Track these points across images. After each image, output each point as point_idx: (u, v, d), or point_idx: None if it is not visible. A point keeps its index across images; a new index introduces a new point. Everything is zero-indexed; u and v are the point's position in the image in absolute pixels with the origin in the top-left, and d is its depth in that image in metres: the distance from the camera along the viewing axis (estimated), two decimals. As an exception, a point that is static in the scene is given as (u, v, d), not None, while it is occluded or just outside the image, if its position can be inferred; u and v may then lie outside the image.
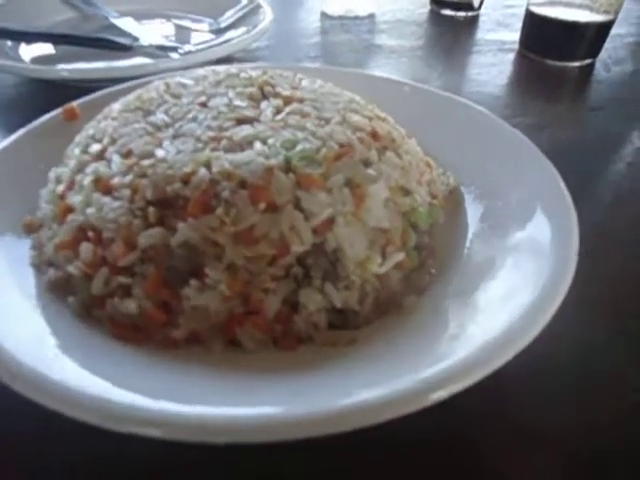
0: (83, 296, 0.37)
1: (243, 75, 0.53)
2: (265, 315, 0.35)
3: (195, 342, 0.35)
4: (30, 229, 0.44)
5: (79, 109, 0.58)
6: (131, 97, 0.51)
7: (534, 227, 0.42)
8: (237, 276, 0.35)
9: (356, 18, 1.20)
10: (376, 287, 0.39)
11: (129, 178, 0.39)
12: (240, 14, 0.98)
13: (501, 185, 0.49)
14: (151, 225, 0.37)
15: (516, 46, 1.05)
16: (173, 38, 0.96)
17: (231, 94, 0.49)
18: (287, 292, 0.36)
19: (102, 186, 0.40)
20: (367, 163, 0.42)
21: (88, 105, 0.59)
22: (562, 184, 0.44)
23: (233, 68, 0.56)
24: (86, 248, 0.37)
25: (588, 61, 0.97)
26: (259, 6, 1.01)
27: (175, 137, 0.43)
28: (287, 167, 0.39)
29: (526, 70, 0.98)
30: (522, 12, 1.25)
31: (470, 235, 0.46)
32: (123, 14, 1.01)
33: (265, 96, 0.50)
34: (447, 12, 1.23)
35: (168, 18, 1.05)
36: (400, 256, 0.40)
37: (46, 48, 0.90)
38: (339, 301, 0.37)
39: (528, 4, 0.98)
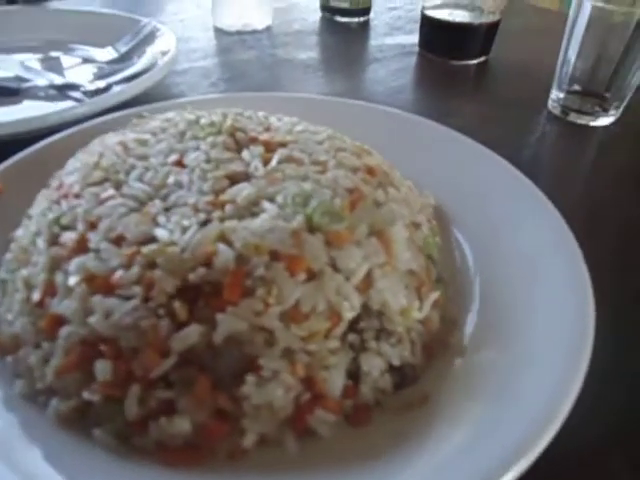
0: (114, 425, 0.31)
1: (204, 122, 0.48)
2: (333, 394, 0.33)
3: (264, 444, 0.31)
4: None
5: (3, 181, 0.49)
6: (81, 163, 0.43)
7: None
8: (295, 360, 0.32)
9: (254, 32, 1.17)
10: (421, 332, 0.38)
11: (135, 271, 0.33)
12: (140, 37, 0.89)
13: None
14: (182, 323, 0.32)
15: (416, 49, 1.10)
16: (69, 74, 0.85)
17: (204, 147, 0.44)
18: (348, 363, 0.34)
19: (99, 286, 0.33)
20: (379, 205, 0.41)
21: (12, 175, 0.49)
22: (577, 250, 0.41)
23: (188, 114, 0.50)
24: (103, 366, 0.31)
25: (482, 58, 1.05)
26: (156, 28, 0.93)
27: (168, 210, 0.37)
28: (310, 226, 0.36)
29: (429, 71, 1.04)
30: (408, 14, 1.33)
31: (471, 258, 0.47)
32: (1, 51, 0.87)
33: (239, 143, 0.46)
34: (341, 19, 1.25)
35: (57, 51, 0.92)
36: (435, 295, 0.39)
37: None
38: (397, 358, 0.35)
39: (423, 8, 1.03)
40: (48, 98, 0.77)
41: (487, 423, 0.31)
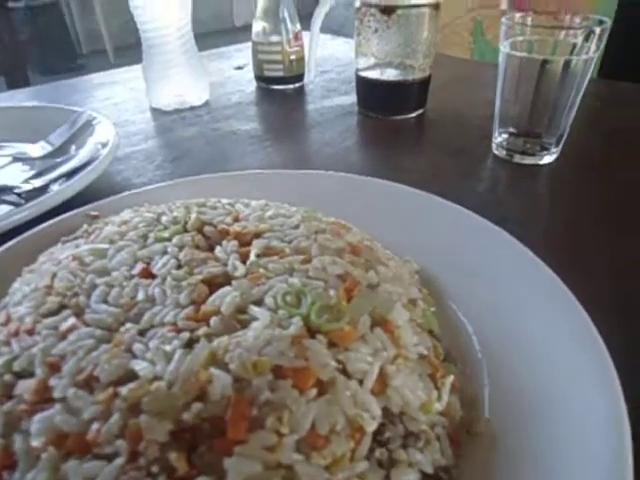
0: None
1: (166, 219, 0.45)
2: (371, 528, 0.28)
3: None
4: None
5: None
6: (30, 288, 0.37)
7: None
8: (323, 496, 0.27)
9: (193, 108, 1.16)
10: (444, 425, 0.34)
11: (116, 421, 0.27)
12: (75, 128, 0.85)
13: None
14: (185, 478, 0.26)
15: (355, 108, 1.12)
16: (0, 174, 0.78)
17: (171, 249, 0.40)
18: (380, 483, 0.29)
19: (72, 446, 0.27)
20: (373, 288, 0.38)
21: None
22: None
23: (146, 212, 0.46)
24: None
25: (420, 111, 1.09)
26: (92, 117, 0.89)
27: (142, 334, 0.32)
28: (309, 329, 0.33)
29: (372, 128, 1.06)
30: (340, 76, 1.37)
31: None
32: None
33: (209, 238, 0.42)
34: (277, 87, 1.27)
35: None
36: (450, 378, 0.36)
37: None
38: (429, 465, 0.31)
39: (357, 70, 1.07)
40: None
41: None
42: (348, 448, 0.29)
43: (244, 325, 0.33)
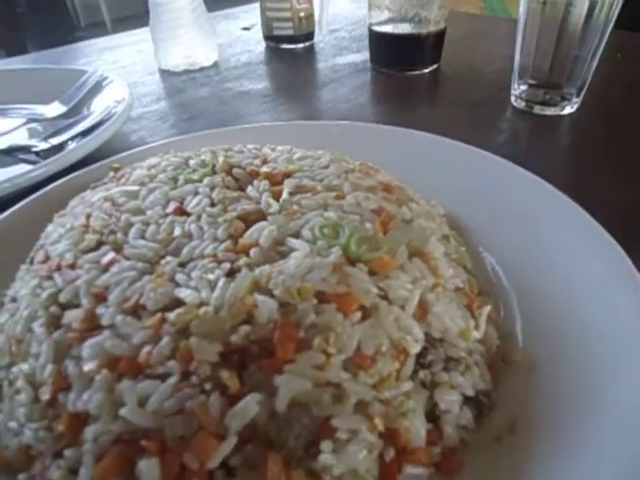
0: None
1: (193, 162, 0.44)
2: (418, 444, 0.29)
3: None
4: (4, 467, 0.29)
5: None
6: (69, 228, 0.38)
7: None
8: (371, 413, 0.28)
9: (202, 69, 1.14)
10: (482, 353, 0.35)
11: (166, 344, 0.28)
12: (87, 88, 0.84)
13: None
14: (235, 396, 0.27)
15: (368, 65, 1.10)
16: (16, 136, 0.78)
17: (202, 189, 0.40)
18: (425, 404, 0.30)
19: (124, 368, 0.28)
20: (407, 223, 0.38)
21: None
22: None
23: (173, 157, 0.46)
24: (148, 466, 0.25)
25: (435, 66, 1.06)
26: (103, 77, 0.88)
27: (183, 265, 0.33)
28: (348, 258, 0.33)
29: (386, 84, 1.04)
30: (351, 34, 1.34)
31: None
32: None
33: (239, 180, 0.42)
34: (286, 46, 1.24)
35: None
36: (487, 309, 0.36)
37: None
38: (469, 387, 0.32)
39: (370, 25, 1.04)
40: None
41: (588, 441, 0.28)
42: (393, 368, 0.29)
43: (283, 256, 0.33)
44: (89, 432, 0.27)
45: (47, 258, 0.36)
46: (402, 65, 1.05)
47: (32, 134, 0.78)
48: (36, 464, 0.28)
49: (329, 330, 0.28)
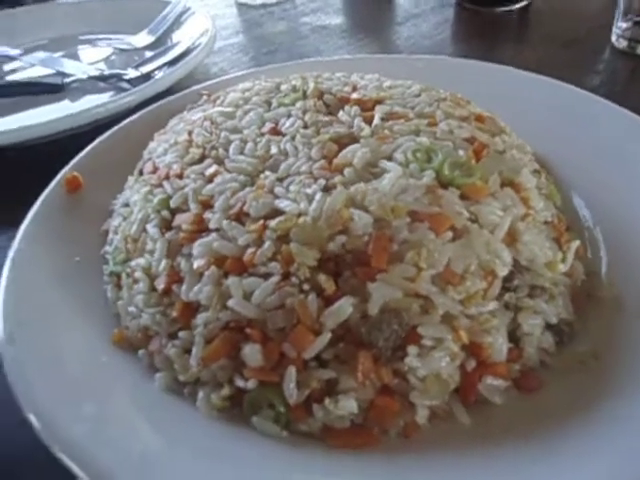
0: (273, 411, 0.29)
1: (285, 87, 0.45)
2: (499, 359, 0.30)
3: (434, 419, 0.29)
4: (125, 344, 0.34)
5: (81, 175, 0.46)
6: (173, 143, 0.40)
7: None
8: (457, 326, 0.29)
9: (279, 3, 1.12)
10: (567, 286, 0.35)
11: (269, 247, 0.30)
12: (172, 19, 0.86)
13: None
14: (331, 298, 0.29)
15: (452, 1, 1.04)
16: (108, 64, 0.82)
17: (295, 112, 0.41)
18: (508, 324, 0.31)
19: (231, 266, 0.31)
20: (500, 153, 0.37)
21: (89, 168, 0.47)
22: None
23: (265, 82, 0.47)
24: (252, 351, 0.29)
25: (524, 2, 0.99)
26: (186, 8, 0.89)
27: (281, 180, 0.35)
28: (441, 181, 0.33)
29: (472, 21, 0.98)
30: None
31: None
32: (28, 50, 0.84)
33: (330, 105, 0.43)
34: (365, -21, 1.18)
35: (90, 43, 0.89)
36: (576, 244, 0.36)
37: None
38: (553, 315, 0.32)
39: (458, -45, 0.97)
40: (93, 90, 0.74)
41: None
42: (481, 287, 0.30)
43: (376, 177, 0.34)
44: (200, 318, 0.31)
45: (155, 169, 0.39)
46: (490, 0, 0.98)
47: (122, 63, 0.82)
48: (153, 342, 0.33)
49: (421, 246, 0.29)
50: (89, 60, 0.84)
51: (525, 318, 0.31)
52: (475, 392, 0.29)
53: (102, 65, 0.81)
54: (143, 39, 0.87)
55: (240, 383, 0.29)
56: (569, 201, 0.43)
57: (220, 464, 0.27)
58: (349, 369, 0.28)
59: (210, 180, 0.35)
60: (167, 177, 0.37)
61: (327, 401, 0.28)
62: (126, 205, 0.40)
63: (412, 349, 0.28)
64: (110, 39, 0.90)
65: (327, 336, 0.28)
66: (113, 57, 0.85)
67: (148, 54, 0.82)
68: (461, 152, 0.35)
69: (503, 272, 0.31)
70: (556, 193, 0.41)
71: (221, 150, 0.38)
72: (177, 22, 0.88)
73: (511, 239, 0.32)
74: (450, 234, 0.31)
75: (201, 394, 0.30)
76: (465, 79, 0.56)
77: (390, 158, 0.35)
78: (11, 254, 0.38)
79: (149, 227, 0.35)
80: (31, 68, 0.80)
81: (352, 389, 0.28)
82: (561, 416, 0.29)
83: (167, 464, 0.26)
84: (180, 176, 0.36)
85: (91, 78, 0.75)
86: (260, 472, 0.27)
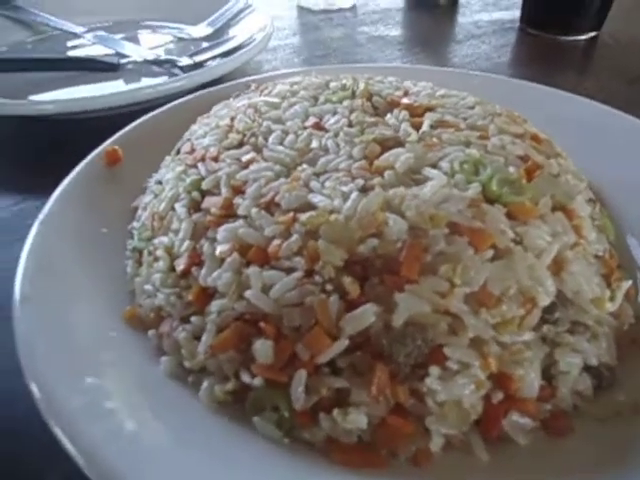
0: (277, 414, 0.27)
1: (334, 85, 0.44)
2: (529, 395, 0.27)
3: (449, 449, 0.26)
4: (136, 322, 0.33)
5: (121, 150, 0.46)
6: (214, 126, 0.40)
7: None
8: (486, 352, 0.27)
9: (340, 10, 1.12)
10: (613, 327, 0.32)
11: (295, 240, 0.29)
12: (232, 13, 0.87)
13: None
14: (354, 302, 0.27)
15: (516, 25, 1.01)
16: (165, 50, 0.83)
17: (341, 110, 0.40)
18: (543, 359, 0.28)
19: (254, 256, 0.30)
20: (554, 176, 0.35)
21: (130, 143, 0.47)
22: None
23: (315, 78, 0.46)
24: (263, 346, 0.27)
25: (593, 33, 0.95)
26: (247, 4, 0.90)
27: (318, 175, 0.33)
28: (487, 196, 0.31)
29: (534, 47, 0.95)
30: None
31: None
32: (92, 30, 0.86)
33: (378, 107, 0.41)
34: (429, -4, 1.17)
35: (151, 29, 0.91)
36: (627, 284, 0.33)
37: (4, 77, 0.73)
38: (594, 356, 0.30)
39: (529, -21, 0.95)
40: (147, 74, 0.75)
41: None
42: (518, 314, 0.28)
43: (418, 184, 0.32)
44: (214, 305, 0.29)
45: (192, 150, 0.38)
46: (557, 28, 0.95)
47: (178, 51, 0.83)
48: (164, 324, 0.31)
49: (457, 261, 0.27)
50: (147, 45, 0.85)
51: (563, 355, 0.29)
52: (498, 427, 0.27)
53: (159, 51, 0.83)
54: (201, 30, 0.88)
55: (246, 378, 0.27)
56: (622, 238, 0.40)
57: (210, 458, 0.25)
58: (363, 381, 0.26)
59: (245, 166, 0.34)
60: (203, 159, 0.36)
61: (335, 412, 0.26)
62: (159, 183, 0.39)
63: (434, 370, 0.26)
64: (170, 27, 0.92)
65: (344, 342, 0.27)
66: (171, 45, 0.86)
67: (204, 45, 0.83)
68: (512, 169, 0.33)
69: (544, 301, 0.28)
70: (610, 227, 0.38)
71: (260, 138, 0.37)
72: (237, 17, 0.89)
73: (557, 268, 0.30)
74: (491, 252, 0.28)
75: (205, 384, 0.28)
76: (523, 100, 0.53)
77: (435, 166, 0.33)
78: (40, 217, 0.38)
79: (177, 206, 0.34)
80: (92, 46, 0.82)
81: (364, 403, 0.26)
82: (588, 468, 0.26)
83: (156, 449, 0.25)
84: (216, 159, 0.36)
85: (146, 62, 0.77)
86: (252, 475, 0.25)
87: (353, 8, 1.14)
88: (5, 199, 0.54)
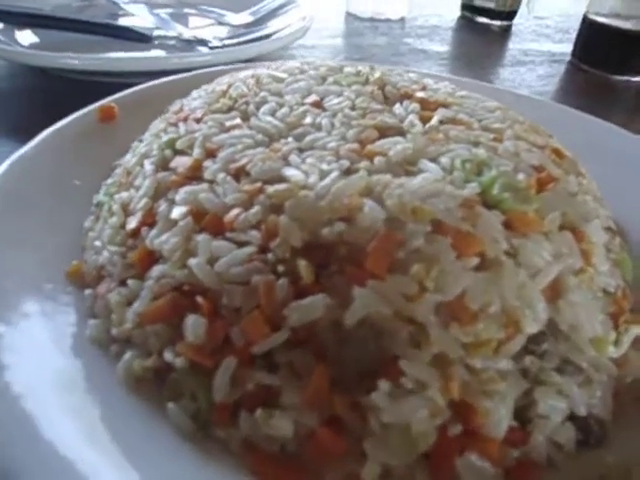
0: (195, 403, 0.23)
1: (348, 70, 0.41)
2: (495, 435, 0.23)
3: (387, 481, 0.22)
4: (78, 279, 0.30)
5: (118, 108, 0.44)
6: (210, 91, 0.37)
7: None
8: (450, 374, 0.22)
9: (387, 21, 1.10)
10: (612, 376, 0.27)
11: (256, 212, 0.25)
12: (276, 5, 0.86)
13: None
14: (305, 290, 0.23)
15: (567, 58, 0.96)
16: (200, 31, 0.82)
17: (348, 93, 0.36)
18: (519, 396, 0.24)
19: (208, 223, 0.26)
20: (571, 194, 0.30)
21: (128, 103, 0.45)
22: None
23: (329, 62, 0.43)
24: (195, 323, 0.24)
25: (647, 76, 0.89)
26: (292, 0, 0.89)
27: (302, 151, 0.30)
28: (486, 200, 0.27)
29: (583, 82, 0.90)
30: (558, 24, 1.19)
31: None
32: (136, 2, 0.86)
33: (389, 97, 0.38)
34: (482, 20, 1.14)
35: (191, 9, 0.91)
36: (637, 330, 0.28)
37: (45, 35, 0.74)
38: (583, 405, 0.25)
39: (586, 12, 0.90)
40: (176, 49, 0.74)
41: None
42: (496, 337, 0.23)
43: (410, 175, 0.28)
44: (155, 271, 0.26)
45: (180, 110, 0.36)
46: (610, 66, 0.90)
47: (215, 34, 0.82)
48: (102, 284, 0.28)
49: (434, 262, 0.23)
50: (186, 24, 0.85)
51: (544, 396, 0.24)
52: (450, 466, 0.22)
53: (196, 32, 0.82)
54: (242, 18, 0.87)
55: (169, 357, 0.24)
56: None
57: (105, 434, 0.22)
58: (298, 383, 0.22)
59: (227, 131, 0.31)
60: (185, 119, 0.33)
61: (259, 412, 0.22)
62: (141, 141, 0.37)
63: (384, 384, 0.22)
64: (214, 12, 0.91)
65: (285, 334, 0.23)
66: (209, 27, 0.86)
67: (241, 32, 0.82)
68: (521, 176, 0.29)
69: (531, 328, 0.24)
70: (629, 264, 0.33)
71: (252, 107, 0.34)
72: (280, 10, 0.88)
73: (554, 293, 0.25)
74: (476, 261, 0.24)
75: (126, 356, 0.25)
76: (555, 125, 0.49)
77: (434, 160, 0.29)
78: (13, 157, 0.36)
79: (146, 162, 0.31)
80: (131, 18, 0.82)
81: (294, 408, 0.22)
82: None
83: (46, 419, 0.21)
84: (199, 120, 0.33)
85: (179, 39, 0.76)
86: (148, 469, 0.21)
87: (401, 20, 1.11)
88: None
